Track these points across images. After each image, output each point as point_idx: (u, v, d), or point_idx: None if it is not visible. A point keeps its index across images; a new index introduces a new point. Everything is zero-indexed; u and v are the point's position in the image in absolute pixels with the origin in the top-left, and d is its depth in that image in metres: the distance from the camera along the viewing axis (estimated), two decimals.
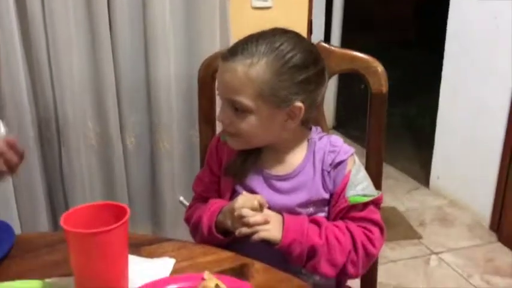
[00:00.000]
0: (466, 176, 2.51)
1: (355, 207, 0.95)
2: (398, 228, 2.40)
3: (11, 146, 0.89)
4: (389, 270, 2.09)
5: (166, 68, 1.63)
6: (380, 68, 1.04)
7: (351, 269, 0.93)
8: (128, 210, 0.72)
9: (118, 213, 0.73)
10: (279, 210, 0.94)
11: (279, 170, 0.97)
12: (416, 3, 6.04)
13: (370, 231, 0.95)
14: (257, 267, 0.81)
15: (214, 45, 1.65)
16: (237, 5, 1.71)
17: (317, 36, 3.14)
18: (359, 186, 0.95)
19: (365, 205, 0.95)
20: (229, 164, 1.00)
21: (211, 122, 1.17)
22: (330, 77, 1.06)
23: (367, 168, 1.09)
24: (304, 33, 1.87)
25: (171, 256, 0.83)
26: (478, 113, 2.38)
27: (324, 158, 0.96)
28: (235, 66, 0.88)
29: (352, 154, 0.97)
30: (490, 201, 2.34)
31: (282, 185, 0.97)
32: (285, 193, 0.96)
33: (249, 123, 0.90)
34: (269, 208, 0.93)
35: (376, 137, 1.07)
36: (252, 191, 0.96)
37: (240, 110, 0.90)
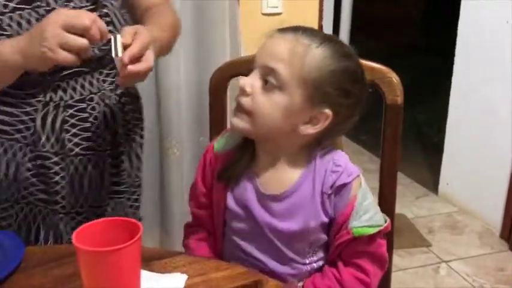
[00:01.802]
0: (476, 183, 2.48)
1: (359, 239, 0.87)
2: (407, 235, 2.38)
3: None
4: (399, 278, 2.07)
5: (176, 75, 1.62)
6: (395, 78, 1.02)
7: None
8: (141, 226, 0.70)
9: (131, 229, 0.71)
10: (279, 235, 0.90)
11: (274, 187, 0.89)
12: (426, 6, 6.02)
13: (366, 272, 0.89)
14: (271, 284, 0.80)
15: (224, 52, 1.64)
16: (247, 11, 1.70)
17: None
18: (365, 215, 0.86)
19: (371, 237, 0.88)
20: (223, 167, 0.92)
21: None
22: None
23: (380, 179, 1.08)
24: None
25: (182, 271, 0.82)
26: (488, 119, 2.36)
27: (325, 178, 0.86)
28: (293, 38, 0.81)
29: (358, 176, 0.88)
30: (501, 208, 2.32)
31: (276, 207, 0.89)
32: (280, 217, 0.89)
33: (273, 100, 0.81)
34: (268, 232, 0.89)
35: (391, 148, 1.05)
36: (246, 208, 0.91)
37: (270, 85, 0.81)
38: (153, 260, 0.85)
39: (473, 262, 2.17)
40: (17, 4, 0.92)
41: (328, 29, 3.13)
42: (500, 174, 2.29)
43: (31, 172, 1.00)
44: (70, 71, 0.97)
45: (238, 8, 1.66)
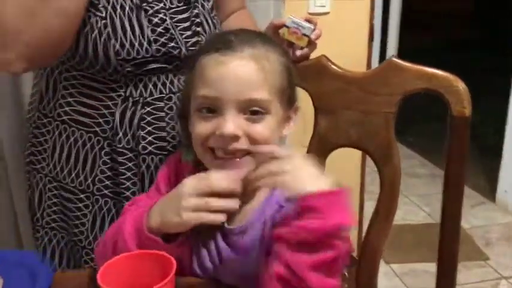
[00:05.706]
0: None
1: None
2: (463, 248, 2.19)
3: None
4: None
5: None
6: (462, 86, 0.91)
7: None
8: (174, 263, 0.62)
9: (163, 263, 0.64)
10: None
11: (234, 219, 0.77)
12: None
13: None
14: None
15: None
16: (292, 11, 1.59)
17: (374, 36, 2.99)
18: None
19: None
20: None
21: None
22: (403, 98, 0.94)
23: (444, 196, 0.96)
24: (365, 39, 1.75)
25: None
26: None
27: (274, 215, 0.73)
28: (250, 54, 0.72)
29: None
30: None
31: (235, 241, 0.76)
32: (240, 253, 0.75)
33: (268, 125, 0.73)
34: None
35: (457, 164, 0.93)
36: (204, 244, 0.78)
37: (254, 114, 0.72)
38: None
39: None
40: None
41: (377, 26, 3.00)
42: None
43: (106, 166, 0.99)
44: (154, 66, 0.95)
45: (283, 7, 1.57)
